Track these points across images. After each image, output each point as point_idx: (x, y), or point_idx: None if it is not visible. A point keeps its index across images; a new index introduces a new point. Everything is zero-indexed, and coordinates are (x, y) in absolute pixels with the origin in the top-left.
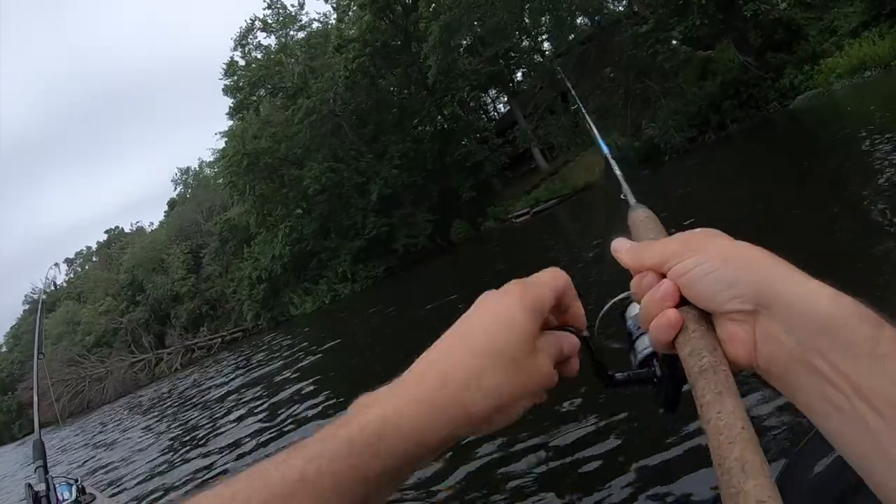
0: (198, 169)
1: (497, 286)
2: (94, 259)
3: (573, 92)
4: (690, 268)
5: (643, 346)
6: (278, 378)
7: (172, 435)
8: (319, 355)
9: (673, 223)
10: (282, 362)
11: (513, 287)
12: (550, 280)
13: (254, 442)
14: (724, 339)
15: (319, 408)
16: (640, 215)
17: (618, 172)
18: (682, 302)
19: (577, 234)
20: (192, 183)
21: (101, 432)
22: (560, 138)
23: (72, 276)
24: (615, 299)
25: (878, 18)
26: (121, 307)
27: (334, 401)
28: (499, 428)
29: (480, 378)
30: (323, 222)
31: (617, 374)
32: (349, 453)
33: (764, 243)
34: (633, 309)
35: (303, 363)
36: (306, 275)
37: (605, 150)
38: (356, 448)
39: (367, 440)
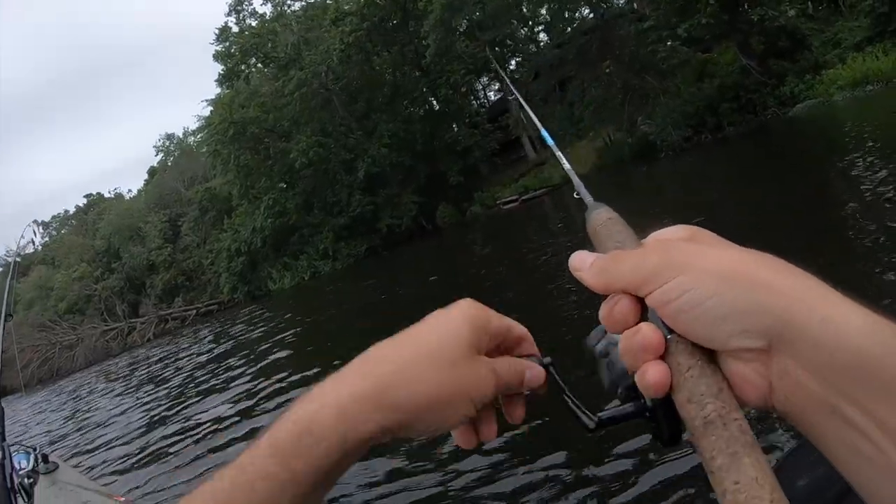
0: (182, 137)
1: (480, 271)
2: (71, 223)
3: (522, 101)
4: (675, 295)
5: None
6: (252, 351)
7: (142, 404)
8: (295, 330)
9: (663, 217)
10: (257, 336)
11: (460, 301)
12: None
13: (223, 411)
14: (730, 380)
15: (288, 381)
16: (602, 216)
17: (566, 166)
18: (671, 329)
19: (563, 223)
20: (175, 151)
21: (69, 400)
22: (556, 127)
23: (47, 240)
24: (591, 334)
25: (883, 35)
26: (95, 274)
27: (306, 373)
28: (432, 431)
29: (409, 370)
30: (307, 197)
31: (601, 415)
32: (274, 453)
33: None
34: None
35: (278, 337)
36: (286, 250)
37: (550, 141)
38: (280, 448)
39: (290, 440)
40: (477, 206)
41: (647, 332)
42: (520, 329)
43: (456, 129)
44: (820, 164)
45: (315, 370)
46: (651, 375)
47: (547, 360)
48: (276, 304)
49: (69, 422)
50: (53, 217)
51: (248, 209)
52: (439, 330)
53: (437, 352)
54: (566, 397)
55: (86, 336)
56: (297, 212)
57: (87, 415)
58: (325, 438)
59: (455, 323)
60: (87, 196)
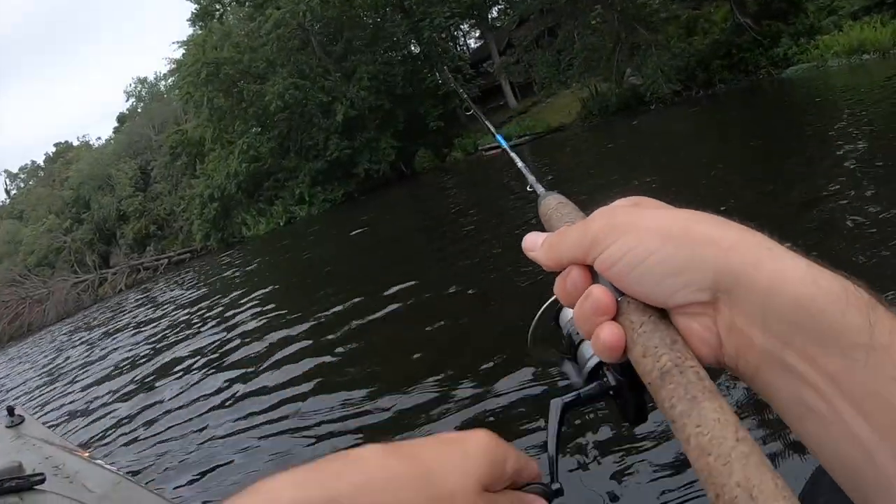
0: (153, 81)
1: (458, 218)
2: (40, 174)
3: (462, 92)
4: (619, 255)
5: (589, 353)
6: (226, 298)
7: (113, 358)
8: (270, 277)
9: (649, 172)
10: (231, 283)
11: (479, 432)
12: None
13: (192, 363)
14: (682, 336)
15: (260, 331)
16: (552, 202)
17: (519, 164)
18: (622, 291)
19: (546, 172)
20: (146, 96)
21: (39, 356)
22: (543, 73)
23: (15, 192)
24: (542, 308)
25: (882, 6)
26: (64, 225)
27: (281, 320)
28: None
29: (396, 489)
30: (282, 141)
31: (565, 398)
32: None
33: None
34: (569, 312)
35: (252, 284)
36: (261, 195)
37: (503, 143)
38: None
39: None
40: (457, 152)
41: (597, 293)
42: (532, 469)
43: (438, 72)
44: (807, 127)
45: (294, 317)
46: (605, 335)
47: (556, 485)
48: (250, 251)
49: (39, 377)
50: (21, 168)
51: (222, 154)
52: (449, 454)
53: (436, 477)
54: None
55: (56, 289)
56: (273, 156)
57: (58, 369)
58: None
59: (470, 452)
60: (56, 145)
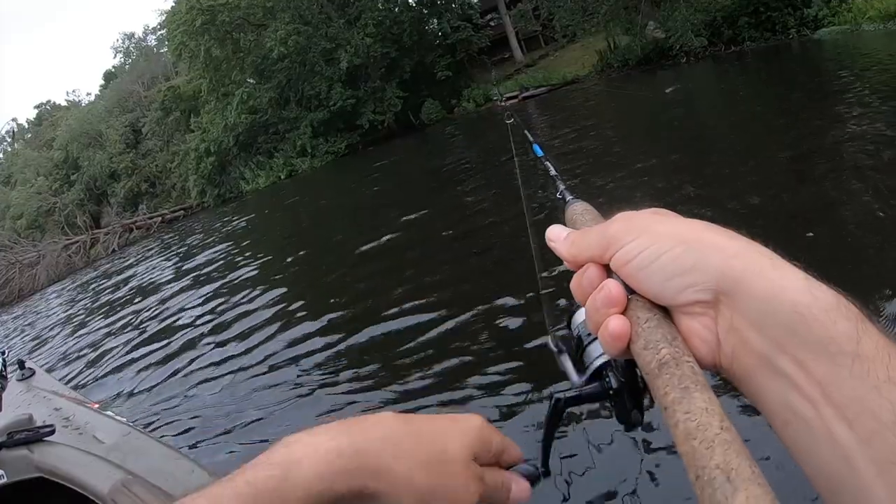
0: (141, 36)
1: (462, 170)
2: (26, 136)
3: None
4: (634, 254)
5: (595, 354)
6: (222, 256)
7: (110, 319)
8: (268, 232)
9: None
10: (226, 242)
11: (472, 415)
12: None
13: (196, 315)
14: (683, 336)
15: (263, 287)
16: (578, 209)
17: (553, 172)
18: (632, 290)
19: (562, 123)
20: (134, 51)
21: (37, 318)
22: (565, 21)
23: (1, 157)
24: (559, 313)
25: None
26: (54, 187)
27: (284, 274)
28: None
29: (400, 444)
30: (282, 91)
31: (567, 393)
32: (250, 493)
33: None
34: (582, 313)
35: (248, 240)
36: (259, 148)
37: (539, 152)
38: (256, 490)
39: (266, 483)
40: (467, 103)
41: (610, 285)
42: (515, 452)
43: (447, 21)
44: (835, 95)
45: (298, 275)
46: (613, 325)
47: (541, 469)
48: (249, 206)
49: (43, 334)
50: (6, 132)
51: (218, 106)
52: (449, 426)
53: (439, 443)
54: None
55: (47, 252)
56: (272, 106)
57: (51, 332)
58: (301, 487)
59: (466, 428)
60: (37, 107)
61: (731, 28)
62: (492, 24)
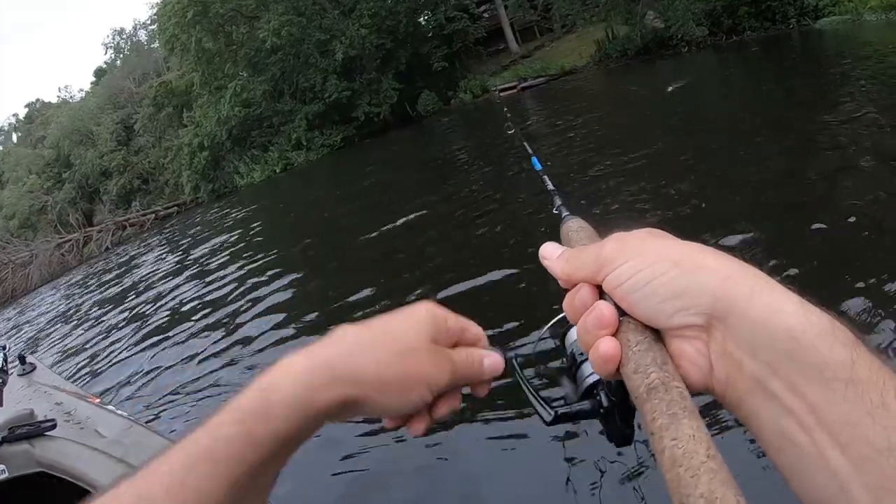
0: (132, 31)
1: (461, 162)
2: (17, 134)
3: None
4: (626, 277)
5: (587, 372)
6: (219, 250)
7: (108, 314)
8: (266, 225)
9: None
10: (222, 236)
11: (423, 301)
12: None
13: (194, 309)
14: (674, 359)
15: (263, 278)
16: (574, 225)
17: (550, 187)
18: (624, 312)
19: (562, 112)
20: (125, 47)
21: (34, 317)
22: (564, 10)
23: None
24: (551, 322)
25: None
26: (46, 185)
27: (279, 269)
28: (389, 411)
29: (369, 347)
30: (276, 83)
31: (559, 409)
32: (237, 419)
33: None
34: (574, 334)
35: (245, 233)
36: (253, 141)
37: (538, 165)
38: (243, 413)
39: (252, 406)
40: (464, 94)
41: (602, 307)
42: (476, 329)
43: (443, 11)
44: (835, 87)
45: (295, 265)
46: (603, 347)
47: (509, 353)
48: (244, 201)
49: (40, 331)
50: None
51: (211, 100)
52: (402, 320)
53: (397, 337)
54: (526, 388)
55: (40, 251)
56: (266, 99)
57: (58, 324)
58: (284, 404)
59: (417, 316)
60: (27, 105)
61: (731, 17)
62: (486, 14)
